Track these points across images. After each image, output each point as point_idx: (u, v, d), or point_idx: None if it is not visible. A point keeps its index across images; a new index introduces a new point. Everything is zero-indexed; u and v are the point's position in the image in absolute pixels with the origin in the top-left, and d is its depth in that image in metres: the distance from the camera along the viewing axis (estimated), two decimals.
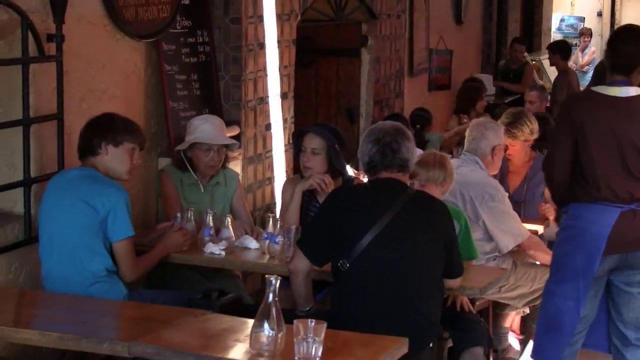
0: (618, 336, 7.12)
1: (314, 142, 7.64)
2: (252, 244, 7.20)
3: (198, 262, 7.12)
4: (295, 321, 4.67)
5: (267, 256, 7.04)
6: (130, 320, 5.57)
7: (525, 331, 8.38)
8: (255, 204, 9.22)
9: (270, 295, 4.66)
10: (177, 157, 7.58)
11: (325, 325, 4.66)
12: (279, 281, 4.78)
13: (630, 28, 7.31)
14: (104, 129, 6.54)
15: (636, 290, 6.92)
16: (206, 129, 7.51)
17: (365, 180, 7.92)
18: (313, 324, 4.62)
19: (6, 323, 5.53)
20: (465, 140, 8.21)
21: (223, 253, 7.00)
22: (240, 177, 8.17)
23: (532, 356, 7.32)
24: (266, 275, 4.75)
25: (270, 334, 4.65)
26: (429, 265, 6.12)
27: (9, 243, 6.56)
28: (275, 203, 9.19)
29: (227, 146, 7.73)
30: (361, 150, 6.29)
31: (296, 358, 4.61)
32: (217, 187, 7.70)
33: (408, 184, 6.28)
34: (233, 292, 7.14)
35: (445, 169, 7.10)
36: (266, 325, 4.64)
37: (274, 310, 4.65)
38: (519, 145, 8.75)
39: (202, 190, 7.60)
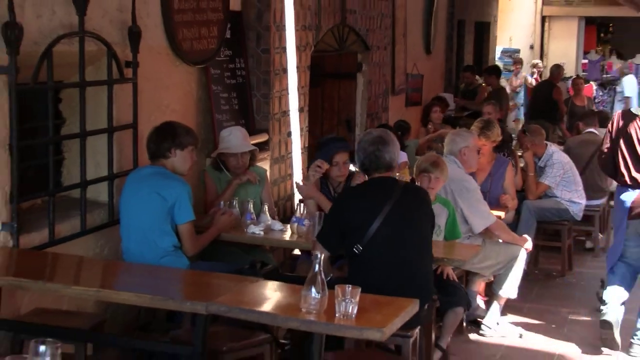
0: None
1: (344, 156, 7.67)
2: (277, 226, 7.24)
3: (243, 240, 7.12)
4: (336, 286, 4.71)
5: (296, 235, 7.08)
6: (197, 285, 5.53)
7: (489, 294, 8.39)
8: (280, 193, 9.27)
9: (317, 267, 4.70)
10: (212, 161, 7.64)
11: (359, 289, 4.71)
12: (322, 256, 4.81)
13: None
14: (172, 136, 6.57)
15: None
16: (231, 140, 7.49)
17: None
18: (350, 288, 4.68)
19: (99, 286, 5.56)
20: (445, 144, 8.24)
21: (262, 233, 7.05)
22: (267, 174, 8.19)
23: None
24: (313, 252, 4.80)
25: (317, 296, 4.69)
26: (423, 240, 6.19)
27: (96, 225, 6.60)
28: (294, 193, 9.23)
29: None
30: (356, 157, 6.38)
31: (337, 315, 4.66)
32: (248, 183, 7.62)
33: (396, 178, 6.35)
34: (270, 264, 7.28)
35: (446, 169, 7.31)
36: (313, 289, 4.69)
37: (319, 278, 4.72)
38: (489, 145, 8.77)
39: (242, 186, 7.54)
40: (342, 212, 6.22)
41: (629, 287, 7.86)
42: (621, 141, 7.67)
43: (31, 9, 5.82)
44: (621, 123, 7.77)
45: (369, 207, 6.09)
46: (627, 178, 7.69)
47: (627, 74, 21.51)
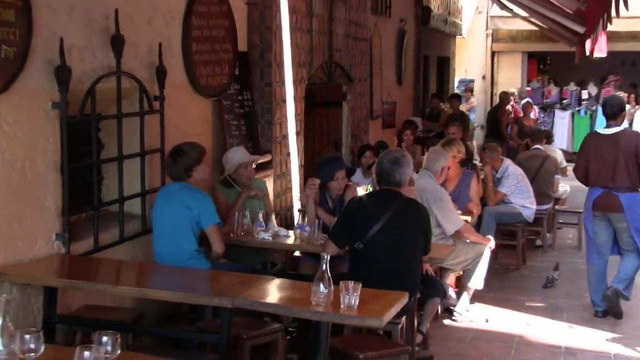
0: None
1: (342, 173, 7.66)
2: (283, 232, 7.23)
3: (254, 244, 7.09)
4: (340, 282, 4.74)
5: (299, 240, 7.08)
6: (221, 283, 5.49)
7: (459, 286, 8.42)
8: (281, 204, 9.28)
9: (324, 266, 4.71)
10: (223, 179, 7.53)
11: (360, 284, 4.72)
12: (328, 257, 4.80)
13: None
14: (187, 158, 6.53)
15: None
16: (236, 156, 7.46)
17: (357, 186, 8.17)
18: (352, 284, 4.69)
19: (136, 285, 5.62)
20: (425, 161, 8.24)
21: (270, 238, 7.05)
22: (266, 185, 8.17)
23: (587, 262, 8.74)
24: (321, 253, 4.82)
25: (325, 290, 4.70)
26: (414, 246, 6.22)
27: (131, 234, 6.60)
28: (293, 204, 9.25)
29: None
30: (375, 169, 6.50)
31: (342, 306, 4.67)
32: (254, 196, 7.57)
33: (402, 193, 6.34)
34: (277, 264, 7.30)
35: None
36: (322, 285, 4.70)
37: (326, 276, 4.73)
38: (452, 160, 8.78)
39: (247, 199, 7.48)
40: (351, 214, 6.31)
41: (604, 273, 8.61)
42: (592, 154, 8.24)
43: (77, 54, 5.84)
44: (590, 141, 8.45)
45: (373, 212, 6.18)
46: (594, 181, 8.31)
47: None
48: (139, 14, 6.64)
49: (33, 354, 3.39)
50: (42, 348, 3.42)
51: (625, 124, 8.93)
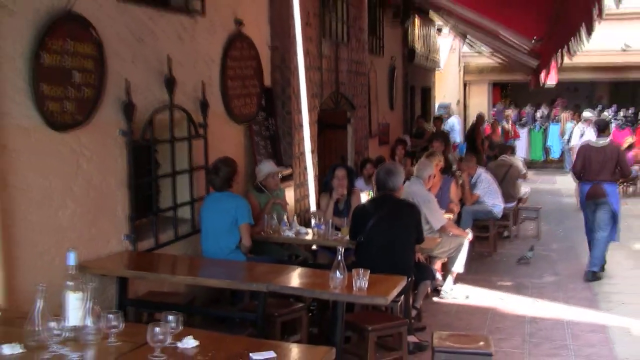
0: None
1: (342, 172, 7.72)
2: (303, 230, 7.21)
3: (280, 240, 7.09)
4: (353, 269, 4.77)
5: (316, 236, 7.07)
6: (256, 272, 5.52)
7: (445, 270, 8.42)
8: (301, 207, 9.28)
9: (339, 256, 4.73)
10: (255, 185, 7.51)
11: (368, 271, 4.74)
12: (342, 250, 4.83)
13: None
14: (228, 171, 6.54)
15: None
16: (266, 167, 7.47)
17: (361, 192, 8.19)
18: (362, 270, 4.72)
19: (189, 274, 5.65)
20: (415, 170, 8.24)
21: (293, 235, 7.06)
22: (286, 194, 8.12)
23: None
24: (337, 247, 4.83)
25: (340, 277, 4.72)
26: (406, 236, 6.25)
27: (183, 234, 6.63)
28: (309, 208, 9.25)
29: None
30: (374, 178, 6.58)
31: (354, 288, 4.69)
32: (278, 207, 7.54)
33: (395, 196, 6.38)
34: (300, 256, 7.30)
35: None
36: (338, 272, 4.72)
37: (341, 264, 4.75)
38: (436, 167, 8.77)
39: (274, 205, 7.46)
40: (356, 215, 6.42)
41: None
42: (586, 159, 9.15)
43: (139, 92, 5.88)
44: (585, 150, 9.29)
45: (371, 210, 6.27)
46: (586, 177, 9.19)
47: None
48: (186, 59, 6.69)
49: (115, 329, 3.43)
50: (122, 325, 3.45)
51: (610, 137, 10.01)
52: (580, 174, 9.28)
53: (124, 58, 5.76)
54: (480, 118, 18.04)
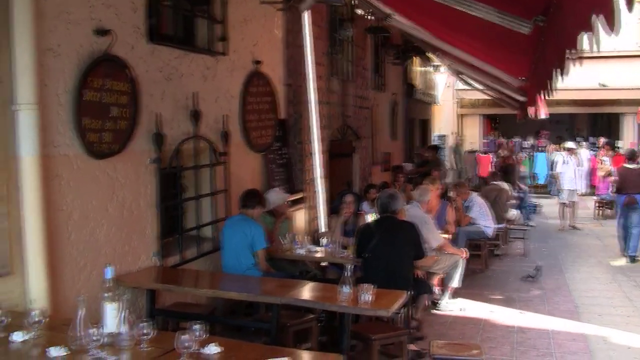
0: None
1: (350, 198, 7.79)
2: (313, 248, 7.23)
3: (292, 257, 7.09)
4: (358, 284, 4.80)
5: (325, 254, 7.12)
6: (271, 286, 5.53)
7: (442, 285, 8.42)
8: (311, 228, 9.30)
9: (347, 273, 4.78)
10: (267, 211, 7.40)
11: (373, 286, 4.77)
12: (351, 267, 4.89)
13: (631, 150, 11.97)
14: (259, 198, 6.65)
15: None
16: (275, 197, 7.46)
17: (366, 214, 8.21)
18: (367, 286, 4.75)
19: (211, 288, 5.66)
20: (415, 195, 8.25)
21: (304, 252, 7.09)
22: (290, 223, 8.09)
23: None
24: (345, 265, 4.87)
25: (348, 291, 4.76)
26: (406, 253, 6.24)
27: (205, 252, 6.70)
28: (319, 228, 9.27)
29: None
30: (376, 202, 6.57)
31: (360, 301, 4.71)
32: (285, 222, 7.67)
33: (396, 217, 6.42)
34: (310, 271, 7.31)
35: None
36: (345, 287, 4.76)
37: (348, 280, 4.80)
38: (435, 192, 8.82)
39: (281, 224, 7.56)
40: (361, 233, 6.44)
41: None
42: (622, 177, 11.00)
43: (167, 124, 5.98)
44: (622, 170, 11.11)
45: (373, 231, 6.28)
46: (624, 190, 10.96)
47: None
48: (209, 95, 6.79)
49: (146, 336, 3.48)
50: (153, 333, 3.51)
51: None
52: (619, 189, 11.09)
53: (154, 94, 5.86)
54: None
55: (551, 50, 3.88)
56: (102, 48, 5.16)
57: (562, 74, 3.42)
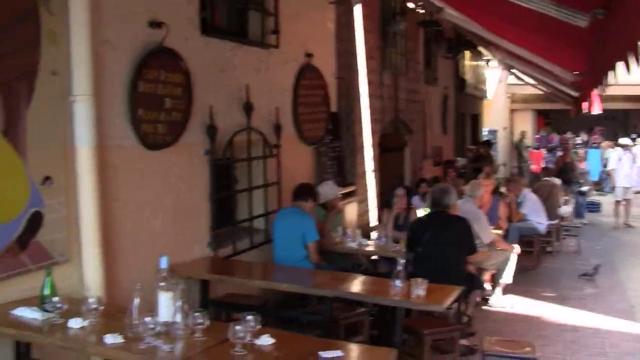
0: None
1: (402, 191, 7.72)
2: (365, 241, 7.20)
3: (344, 250, 7.08)
4: (411, 279, 4.75)
5: (377, 248, 7.10)
6: (322, 279, 5.48)
7: (493, 281, 8.31)
8: (362, 222, 9.27)
9: (400, 267, 4.74)
10: (321, 204, 7.38)
11: (426, 281, 4.72)
12: (404, 261, 4.85)
13: None
14: (311, 192, 6.63)
15: None
16: (328, 191, 7.40)
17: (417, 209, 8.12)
18: (420, 280, 4.70)
19: (263, 279, 5.65)
20: (467, 190, 8.16)
21: (356, 246, 7.06)
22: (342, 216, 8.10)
23: None
24: (398, 259, 4.81)
25: (400, 285, 4.73)
26: (458, 248, 6.17)
27: (257, 243, 6.69)
28: (370, 222, 9.22)
29: None
30: (429, 197, 6.48)
31: (412, 296, 4.66)
32: (337, 215, 7.62)
33: (449, 212, 6.33)
34: (362, 265, 7.27)
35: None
36: (398, 281, 4.73)
37: (401, 274, 4.75)
38: (488, 188, 8.70)
39: (334, 217, 7.50)
40: (414, 227, 6.38)
41: None
42: None
43: (220, 116, 5.97)
44: None
45: (426, 226, 6.21)
46: None
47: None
48: (262, 87, 6.77)
49: (200, 326, 3.48)
50: (207, 322, 3.51)
51: None
52: None
53: (207, 86, 5.86)
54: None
55: (612, 44, 3.76)
56: (157, 40, 5.17)
57: (627, 68, 3.30)
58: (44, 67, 4.18)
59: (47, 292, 3.84)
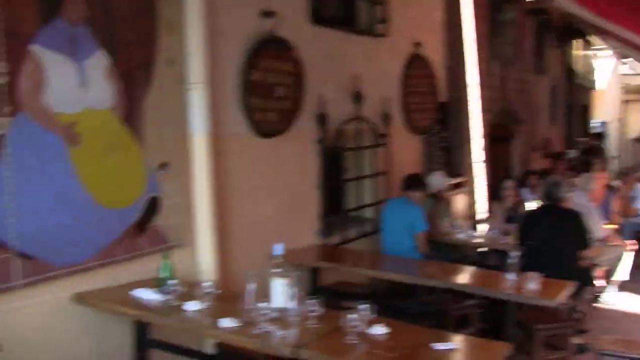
0: None
1: (511, 183, 7.52)
2: (473, 233, 7.08)
3: (452, 241, 6.88)
4: (526, 272, 4.60)
5: (486, 240, 6.94)
6: (431, 269, 5.37)
7: (607, 277, 7.96)
8: (471, 213, 9.05)
9: (511, 260, 4.60)
10: (430, 194, 7.26)
11: (540, 275, 4.58)
12: (517, 254, 4.69)
13: None
14: (420, 182, 6.50)
15: None
16: (437, 181, 7.20)
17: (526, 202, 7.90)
18: (534, 273, 4.55)
19: (372, 268, 5.60)
20: (580, 184, 7.86)
21: (465, 237, 6.91)
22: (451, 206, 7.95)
23: None
24: (509, 252, 4.67)
25: (513, 278, 4.58)
26: (572, 243, 5.93)
27: (366, 232, 6.68)
28: (477, 213, 9.02)
29: None
30: (541, 189, 6.27)
31: (525, 289, 4.51)
32: (446, 206, 7.39)
33: (561, 205, 6.10)
34: (470, 256, 7.10)
35: None
36: (511, 274, 4.59)
37: (514, 268, 4.60)
38: (602, 181, 8.36)
39: (441, 208, 7.32)
40: (526, 220, 6.19)
41: None
42: None
43: (331, 105, 5.97)
44: None
45: (539, 218, 6.01)
46: None
47: None
48: (370, 76, 6.72)
49: (314, 313, 3.46)
50: (321, 310, 3.48)
51: None
52: None
53: (318, 75, 5.85)
54: None
55: None
56: (268, 29, 5.19)
57: None
58: (162, 57, 4.27)
59: (164, 274, 3.92)
